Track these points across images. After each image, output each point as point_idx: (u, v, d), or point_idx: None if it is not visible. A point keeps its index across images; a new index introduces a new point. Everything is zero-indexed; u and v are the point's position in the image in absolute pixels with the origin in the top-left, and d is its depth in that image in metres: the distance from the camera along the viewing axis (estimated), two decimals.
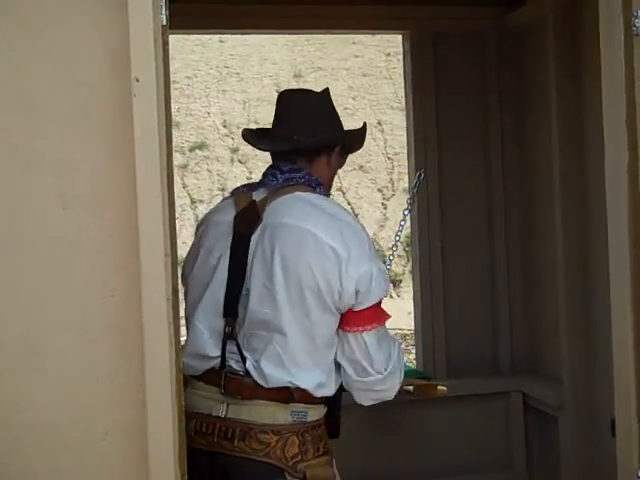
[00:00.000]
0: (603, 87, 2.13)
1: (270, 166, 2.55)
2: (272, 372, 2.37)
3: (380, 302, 2.41)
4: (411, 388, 3.25)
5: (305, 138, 2.51)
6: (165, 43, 1.83)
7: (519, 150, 3.82)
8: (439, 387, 3.31)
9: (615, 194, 2.13)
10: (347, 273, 2.34)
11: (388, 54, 18.16)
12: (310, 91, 2.63)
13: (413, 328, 4.39)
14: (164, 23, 1.83)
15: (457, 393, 3.55)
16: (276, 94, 2.77)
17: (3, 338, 1.85)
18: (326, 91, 2.61)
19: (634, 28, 2.03)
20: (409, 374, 3.69)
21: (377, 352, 2.39)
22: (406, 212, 3.52)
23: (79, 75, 1.83)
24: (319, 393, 2.40)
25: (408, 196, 3.46)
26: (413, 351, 9.28)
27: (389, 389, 2.44)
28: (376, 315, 2.39)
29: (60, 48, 1.83)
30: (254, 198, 2.48)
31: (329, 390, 2.41)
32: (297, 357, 2.36)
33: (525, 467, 3.77)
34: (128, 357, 1.87)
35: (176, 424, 1.88)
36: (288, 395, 2.37)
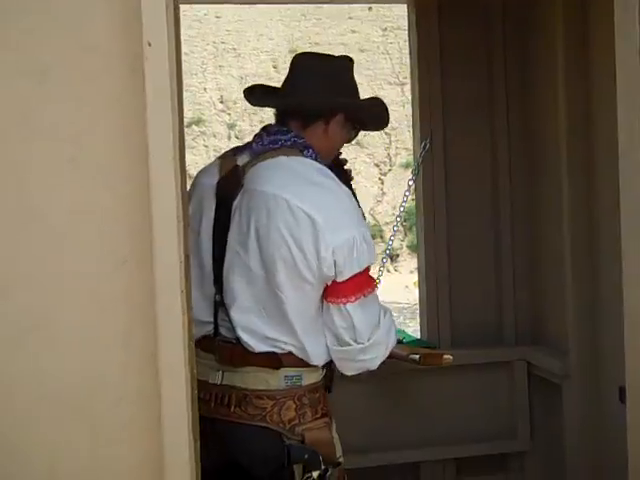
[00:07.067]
0: (617, 57, 2.10)
1: (261, 128, 2.46)
2: (256, 341, 2.35)
3: (366, 270, 2.30)
4: (417, 357, 3.26)
5: (297, 97, 2.39)
6: (176, 7, 1.81)
7: (525, 120, 3.81)
8: (445, 356, 3.31)
9: (628, 160, 2.11)
10: (324, 240, 2.23)
11: (385, 29, 18.04)
12: (329, 57, 2.51)
13: (416, 299, 4.39)
14: None
15: (461, 362, 3.56)
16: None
17: (14, 308, 1.83)
18: (346, 59, 2.49)
19: None
20: (414, 344, 3.72)
21: (362, 322, 2.29)
22: (410, 182, 3.51)
23: (89, 40, 1.80)
24: (306, 359, 2.36)
25: (413, 167, 3.44)
26: (411, 325, 9.31)
27: (372, 359, 2.35)
28: (361, 285, 2.28)
29: (70, 13, 1.80)
30: (238, 162, 2.39)
31: (316, 358, 2.37)
32: (275, 328, 2.34)
33: (529, 435, 3.78)
34: (140, 324, 1.86)
35: (189, 391, 1.87)
36: (276, 360, 2.35)
